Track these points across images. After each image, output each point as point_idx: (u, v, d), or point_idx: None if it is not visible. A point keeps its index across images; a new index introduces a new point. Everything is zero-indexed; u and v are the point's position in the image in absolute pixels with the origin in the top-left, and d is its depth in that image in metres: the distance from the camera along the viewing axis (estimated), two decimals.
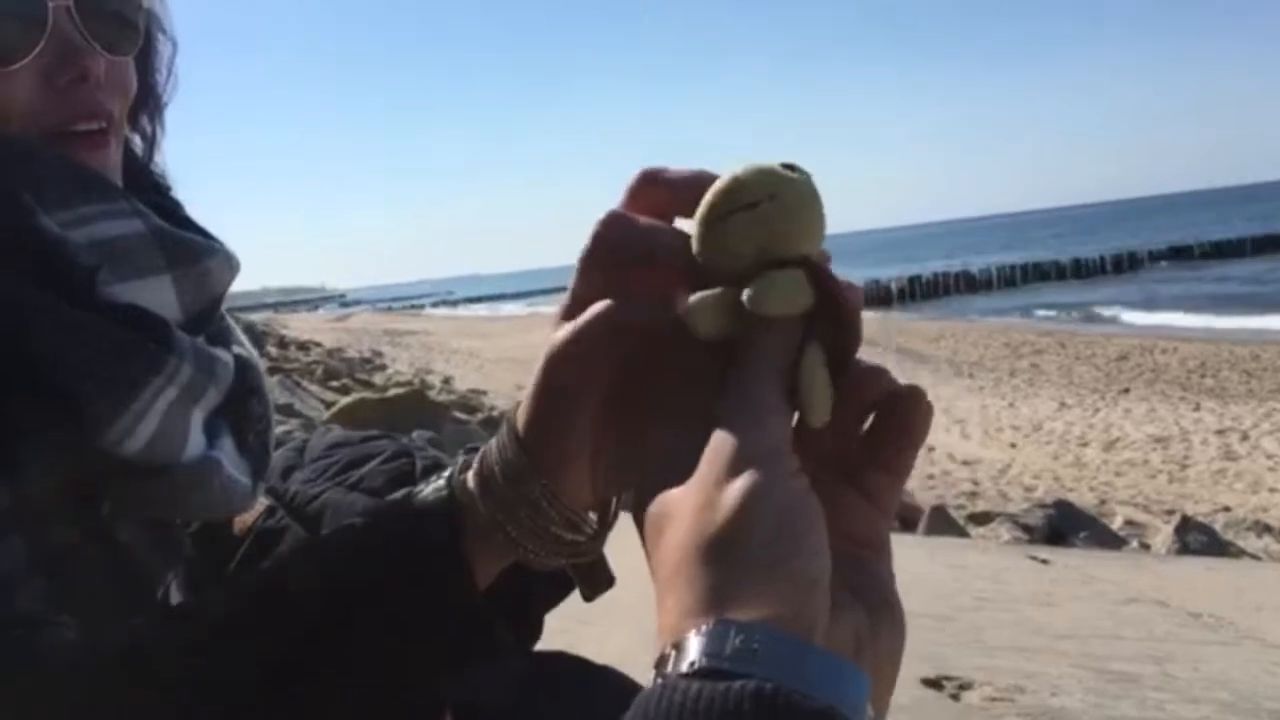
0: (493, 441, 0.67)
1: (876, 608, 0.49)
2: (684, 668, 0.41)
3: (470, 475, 0.67)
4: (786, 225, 0.48)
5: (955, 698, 3.82)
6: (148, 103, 0.85)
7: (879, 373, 0.52)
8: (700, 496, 0.45)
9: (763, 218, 0.48)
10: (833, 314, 0.48)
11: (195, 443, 0.70)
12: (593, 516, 0.66)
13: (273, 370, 16.76)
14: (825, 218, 0.49)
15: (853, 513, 0.51)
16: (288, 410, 12.02)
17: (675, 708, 0.39)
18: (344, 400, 13.03)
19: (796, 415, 0.49)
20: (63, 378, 0.63)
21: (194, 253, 0.73)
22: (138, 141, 0.86)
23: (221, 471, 0.72)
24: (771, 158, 0.50)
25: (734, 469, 0.45)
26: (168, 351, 0.67)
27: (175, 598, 0.77)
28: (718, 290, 0.50)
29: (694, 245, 0.51)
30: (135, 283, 0.68)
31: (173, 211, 0.82)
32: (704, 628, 0.42)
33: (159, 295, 0.70)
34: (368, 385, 18.61)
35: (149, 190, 0.82)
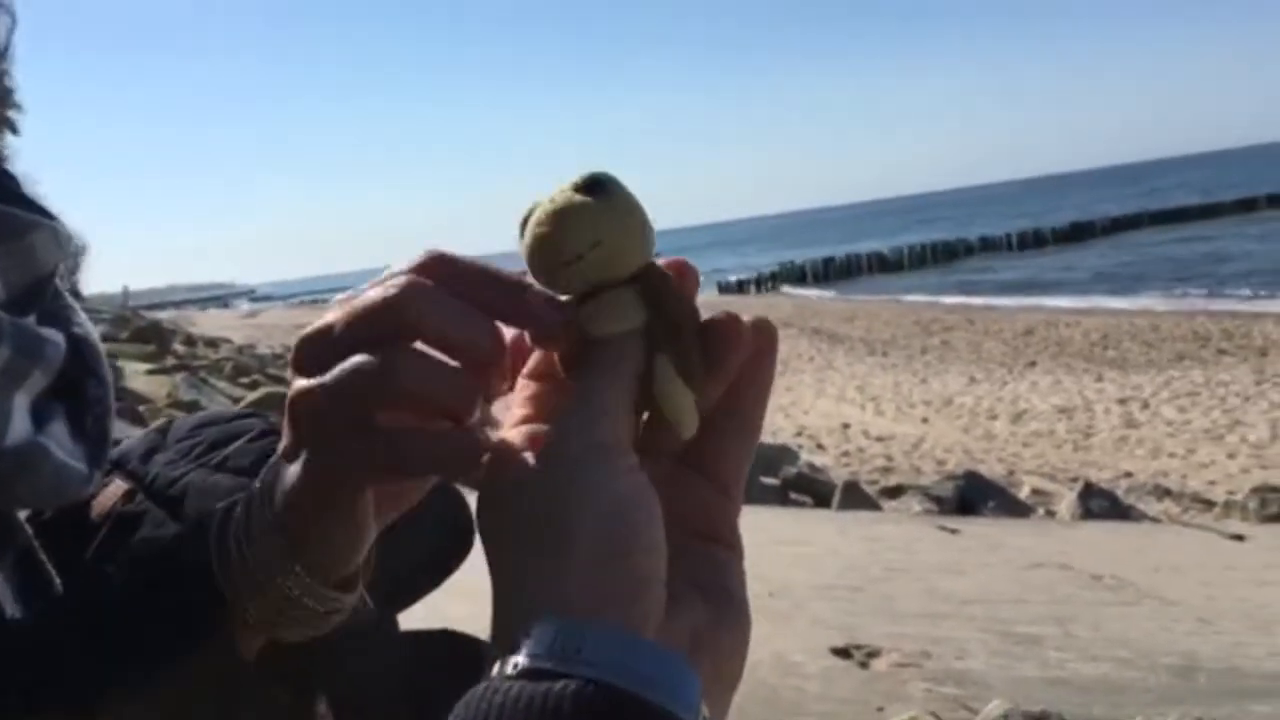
0: (241, 506, 0.67)
1: (719, 603, 0.48)
2: (509, 669, 0.40)
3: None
4: (615, 260, 0.47)
5: (864, 665, 3.90)
6: None
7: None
8: (533, 491, 0.45)
9: (591, 265, 0.46)
10: (671, 325, 0.47)
11: (19, 428, 0.66)
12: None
13: (179, 368, 16.32)
14: (651, 226, 0.48)
15: (701, 503, 0.50)
16: (193, 407, 11.73)
17: (495, 709, 0.38)
18: (252, 395, 12.77)
19: (646, 416, 0.49)
20: None
21: (15, 228, 0.69)
22: None
23: (50, 457, 0.68)
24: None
25: (565, 467, 0.44)
26: None
27: (3, 588, 0.73)
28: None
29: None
30: None
31: (4, 187, 0.78)
32: (529, 627, 0.41)
33: None
34: (279, 381, 18.24)
35: None
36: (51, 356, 0.70)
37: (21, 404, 0.67)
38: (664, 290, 0.47)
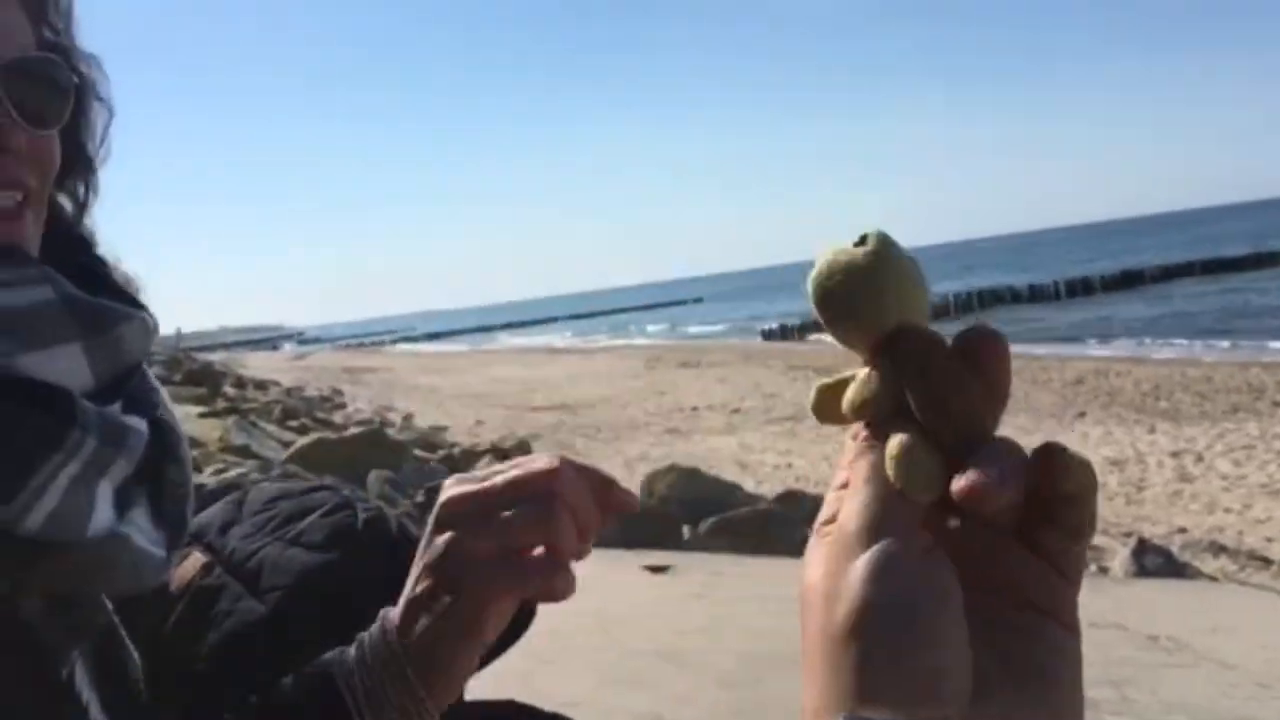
0: (367, 638, 0.80)
1: (1027, 683, 0.45)
2: None
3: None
4: (877, 319, 0.47)
5: None
6: (78, 168, 0.84)
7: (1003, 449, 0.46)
8: (826, 584, 0.45)
9: (865, 322, 0.47)
10: (919, 394, 0.46)
11: (102, 517, 0.68)
12: None
13: (229, 410, 16.55)
14: (920, 289, 0.47)
15: (1021, 571, 0.47)
16: (244, 451, 11.89)
17: None
18: (302, 441, 12.90)
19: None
20: None
21: (108, 319, 0.72)
22: (66, 203, 0.85)
23: (130, 546, 0.70)
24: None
25: (853, 555, 0.45)
26: (69, 426, 0.66)
27: (81, 673, 0.75)
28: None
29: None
30: (43, 352, 0.67)
31: (95, 273, 0.79)
32: None
33: (69, 364, 0.68)
34: (327, 424, 18.44)
35: (75, 250, 0.81)
36: (135, 445, 0.72)
37: (105, 493, 0.69)
38: (911, 355, 0.46)
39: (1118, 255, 79.97)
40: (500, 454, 15.31)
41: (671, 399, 26.33)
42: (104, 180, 0.87)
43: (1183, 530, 10.75)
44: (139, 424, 0.73)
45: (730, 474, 14.13)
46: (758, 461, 16.57)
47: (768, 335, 52.37)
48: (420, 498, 10.12)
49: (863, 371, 0.48)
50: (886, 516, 0.45)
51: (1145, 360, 26.06)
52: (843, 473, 0.49)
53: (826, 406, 0.51)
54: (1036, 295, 57.14)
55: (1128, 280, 58.99)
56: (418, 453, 14.35)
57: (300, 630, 0.90)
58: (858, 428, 0.50)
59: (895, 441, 0.46)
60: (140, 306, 0.78)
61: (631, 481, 13.17)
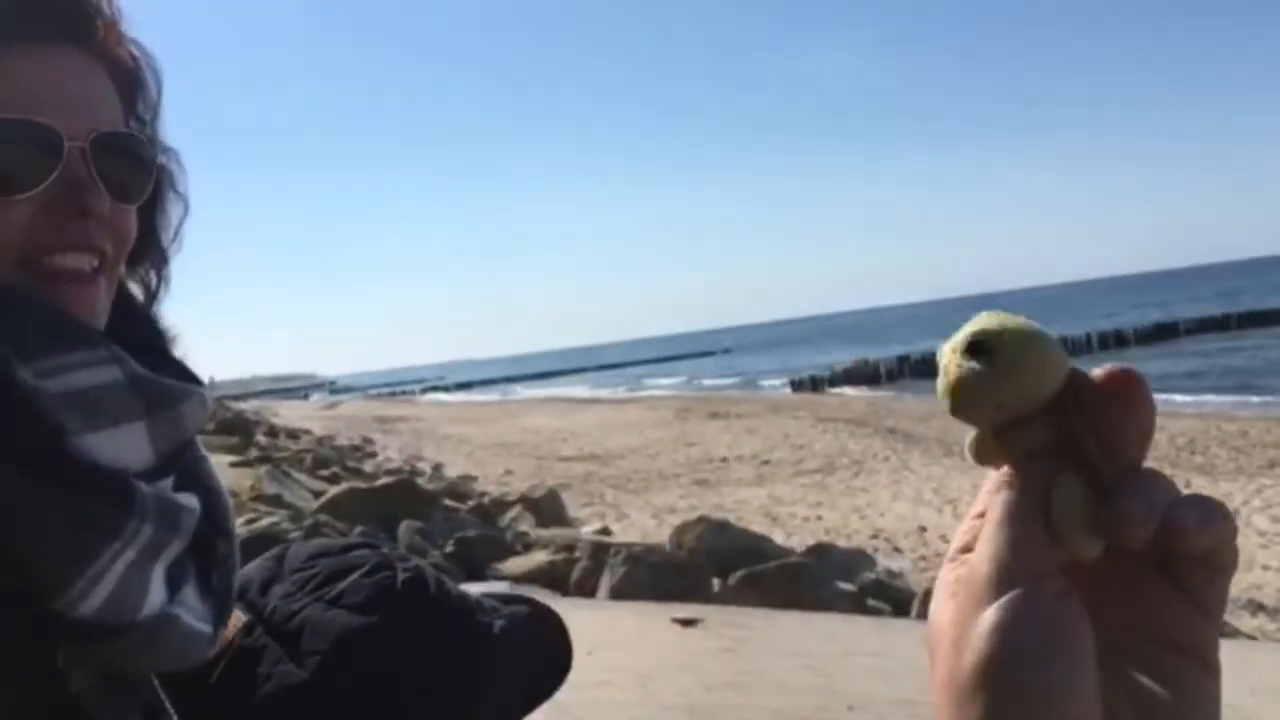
0: None
1: None
2: None
3: None
4: (1022, 406, 0.47)
5: None
6: (151, 255, 0.87)
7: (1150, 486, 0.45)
8: (954, 631, 0.44)
9: (1002, 420, 0.47)
10: (1080, 440, 0.46)
11: (155, 599, 0.70)
12: None
13: (262, 459, 16.66)
14: (1051, 357, 0.47)
15: (1163, 609, 0.45)
16: (276, 501, 11.94)
17: None
18: (333, 490, 12.96)
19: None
20: (14, 550, 0.65)
21: (170, 398, 0.74)
22: (137, 290, 0.88)
23: (180, 626, 0.72)
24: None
25: (983, 603, 0.44)
26: (127, 515, 0.68)
27: None
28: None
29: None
30: (109, 431, 0.69)
31: (156, 349, 0.82)
32: None
33: (132, 442, 0.70)
34: (357, 473, 18.51)
35: (140, 324, 0.84)
36: (187, 525, 0.74)
37: (159, 574, 0.71)
38: (1073, 406, 0.46)
39: (1147, 309, 79.37)
40: (529, 504, 15.30)
41: (701, 450, 26.26)
42: None
43: None
44: (191, 502, 0.75)
45: (760, 526, 14.05)
46: (788, 514, 16.46)
47: (797, 386, 52.18)
48: (450, 548, 10.13)
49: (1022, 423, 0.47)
50: (1020, 562, 0.44)
51: (1180, 414, 25.73)
52: (982, 501, 0.48)
53: (987, 449, 0.49)
54: (1069, 348, 54.20)
55: (1161, 333, 58.60)
56: (447, 502, 14.37)
57: (340, 695, 0.91)
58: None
59: (1058, 481, 0.45)
60: (198, 382, 0.81)
61: (660, 533, 13.12)
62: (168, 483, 0.74)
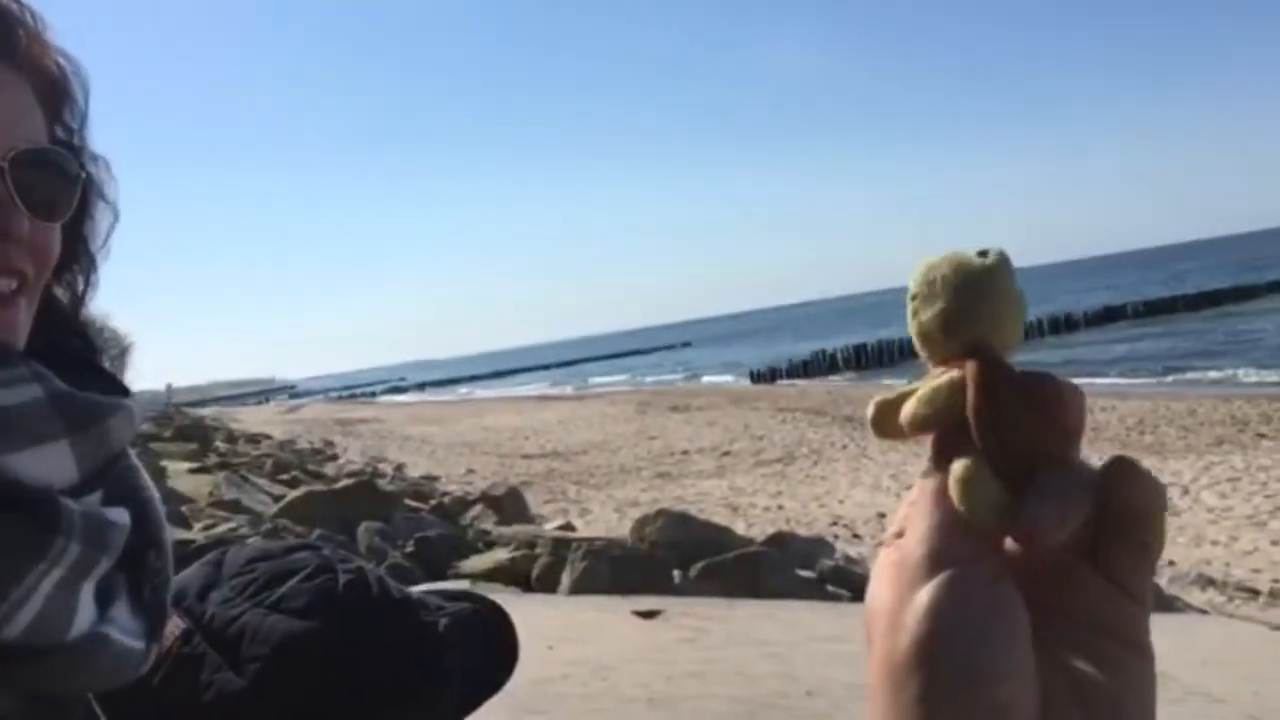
0: None
1: (1097, 710, 0.44)
2: None
3: None
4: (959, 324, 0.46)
5: None
6: (79, 264, 0.85)
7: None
8: (890, 614, 0.44)
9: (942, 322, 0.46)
10: (978, 419, 0.44)
11: (84, 618, 0.68)
12: None
13: (221, 465, 16.47)
14: (1015, 321, 0.47)
15: (1090, 593, 0.45)
16: (234, 506, 11.82)
17: None
18: (293, 494, 12.84)
19: None
20: None
21: (95, 414, 0.72)
22: (63, 295, 0.86)
23: (110, 644, 0.70)
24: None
25: (916, 585, 0.44)
26: (53, 534, 0.66)
27: None
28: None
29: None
30: (30, 451, 0.67)
31: (85, 360, 0.81)
32: None
33: (56, 460, 0.69)
34: (318, 477, 18.34)
35: (67, 334, 0.83)
36: (116, 541, 0.72)
37: (87, 592, 0.69)
38: (986, 378, 0.45)
39: (1097, 292, 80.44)
40: (491, 502, 15.26)
41: (662, 443, 26.29)
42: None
43: (1171, 563, 10.78)
44: (121, 517, 0.73)
45: (721, 517, 14.10)
46: (748, 504, 16.54)
47: (756, 377, 52.39)
48: (410, 548, 10.08)
49: (926, 387, 0.46)
50: (952, 543, 0.44)
51: (1129, 395, 26.15)
52: (918, 485, 0.48)
53: (886, 421, 0.48)
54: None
55: (1110, 316, 59.37)
56: (409, 503, 14.29)
57: (281, 702, 0.92)
58: (928, 443, 0.48)
59: (959, 465, 0.44)
60: (127, 394, 0.79)
61: (623, 526, 13.12)
62: (96, 498, 0.73)
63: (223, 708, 0.92)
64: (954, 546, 0.44)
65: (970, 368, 0.45)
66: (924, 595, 0.43)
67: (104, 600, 0.71)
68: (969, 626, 0.42)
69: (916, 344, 0.47)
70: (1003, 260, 0.46)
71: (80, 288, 0.87)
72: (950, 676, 0.42)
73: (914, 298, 0.47)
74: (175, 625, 0.99)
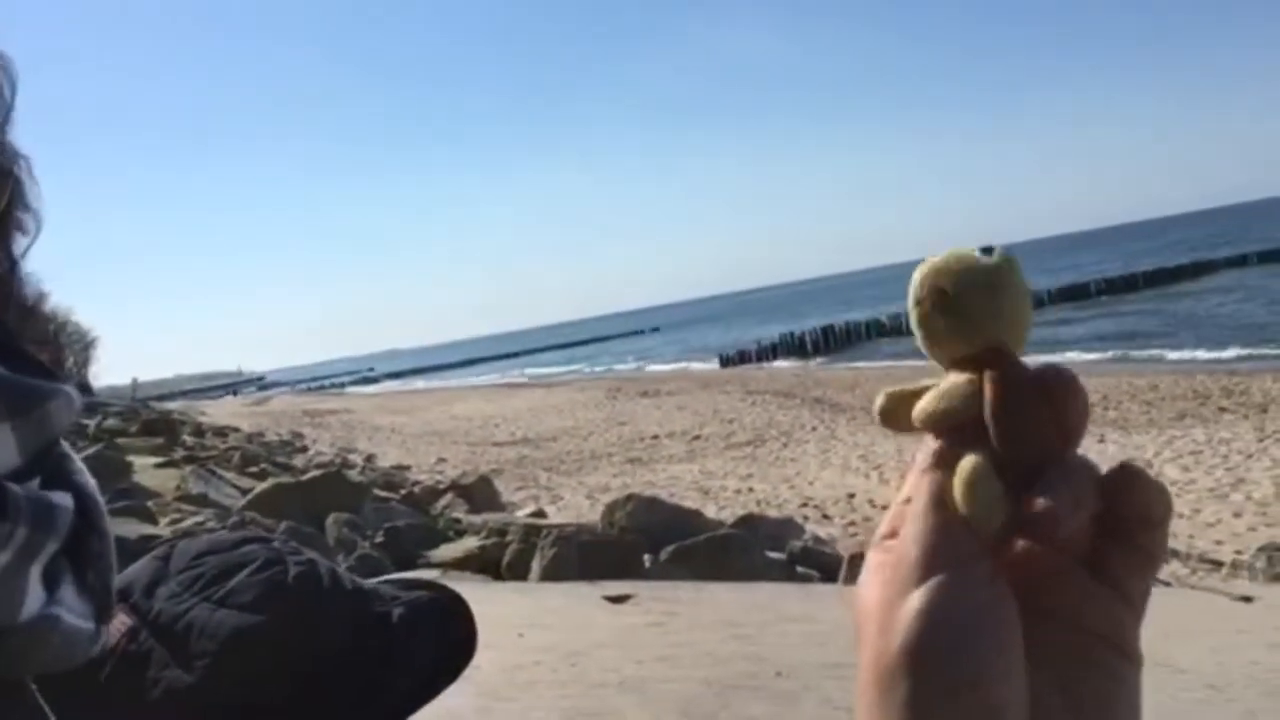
0: None
1: (1086, 715, 0.43)
2: None
3: None
4: (976, 323, 0.45)
5: None
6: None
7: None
8: (881, 615, 0.44)
9: (953, 320, 0.46)
10: (992, 420, 0.44)
11: (33, 600, 0.68)
12: None
13: (188, 459, 16.30)
14: (1025, 318, 0.46)
15: (1085, 598, 0.45)
16: (201, 500, 11.71)
17: None
18: (260, 486, 12.74)
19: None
20: None
21: (35, 398, 0.72)
22: None
23: (61, 625, 0.70)
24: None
25: (909, 586, 0.43)
26: (0, 519, 0.66)
27: None
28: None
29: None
30: None
31: (13, 349, 0.79)
32: None
33: None
34: (287, 469, 18.20)
35: None
36: (62, 523, 0.72)
37: (35, 575, 0.69)
38: (1005, 377, 0.44)
39: (1058, 271, 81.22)
40: (462, 490, 15.23)
41: (632, 428, 26.33)
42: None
43: None
44: (65, 500, 0.73)
45: (692, 501, 14.15)
46: (719, 487, 16.62)
47: (725, 361, 52.54)
48: (380, 538, 10.04)
49: (945, 383, 0.46)
50: (948, 545, 0.44)
51: (1092, 371, 26.45)
52: (909, 485, 0.47)
53: (895, 413, 0.48)
54: None
55: (1072, 294, 59.98)
56: (378, 493, 14.23)
57: (230, 697, 0.91)
58: (927, 440, 0.47)
59: (966, 466, 0.43)
60: (62, 380, 0.78)
61: (595, 512, 13.14)
62: (35, 483, 0.72)
63: (171, 705, 0.91)
64: (950, 549, 0.43)
65: (990, 374, 0.44)
66: (917, 597, 0.43)
67: (51, 583, 0.71)
68: (960, 629, 0.42)
69: (925, 347, 0.47)
70: (1009, 258, 0.46)
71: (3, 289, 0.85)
72: (942, 680, 0.42)
73: (919, 301, 0.46)
74: (122, 622, 0.98)
